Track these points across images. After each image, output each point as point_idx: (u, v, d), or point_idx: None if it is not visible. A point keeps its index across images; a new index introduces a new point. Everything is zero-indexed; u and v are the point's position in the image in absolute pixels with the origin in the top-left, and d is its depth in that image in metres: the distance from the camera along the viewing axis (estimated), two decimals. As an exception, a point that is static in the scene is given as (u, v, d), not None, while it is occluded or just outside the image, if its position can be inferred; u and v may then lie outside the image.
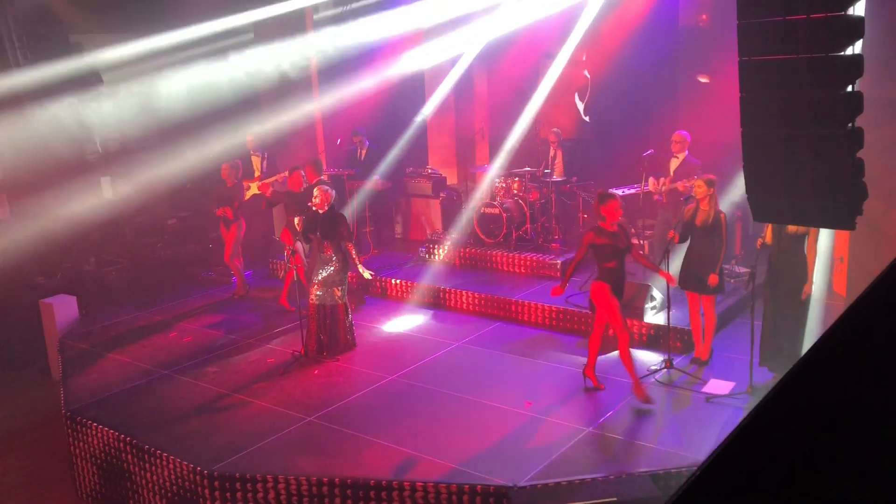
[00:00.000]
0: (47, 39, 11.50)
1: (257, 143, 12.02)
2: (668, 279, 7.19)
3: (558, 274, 10.09)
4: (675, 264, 7.57)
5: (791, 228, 6.67)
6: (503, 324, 9.22)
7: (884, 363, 1.32)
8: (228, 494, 6.21)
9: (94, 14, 11.58)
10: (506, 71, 12.59)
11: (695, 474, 1.26)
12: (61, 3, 11.33)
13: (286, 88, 12.96)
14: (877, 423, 1.24)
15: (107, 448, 7.18)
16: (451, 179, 12.70)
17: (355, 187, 11.62)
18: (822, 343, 1.36)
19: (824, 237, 7.26)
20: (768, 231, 6.94)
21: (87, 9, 11.54)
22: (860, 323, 1.37)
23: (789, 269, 6.77)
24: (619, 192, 10.06)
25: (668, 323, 7.62)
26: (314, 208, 8.22)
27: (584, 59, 10.39)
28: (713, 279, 7.30)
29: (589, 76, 10.33)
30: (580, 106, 10.44)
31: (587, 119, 10.31)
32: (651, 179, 9.29)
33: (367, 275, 8.36)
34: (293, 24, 12.81)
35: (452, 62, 12.92)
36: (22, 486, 7.68)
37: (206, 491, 6.28)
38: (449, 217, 11.96)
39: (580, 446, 6.28)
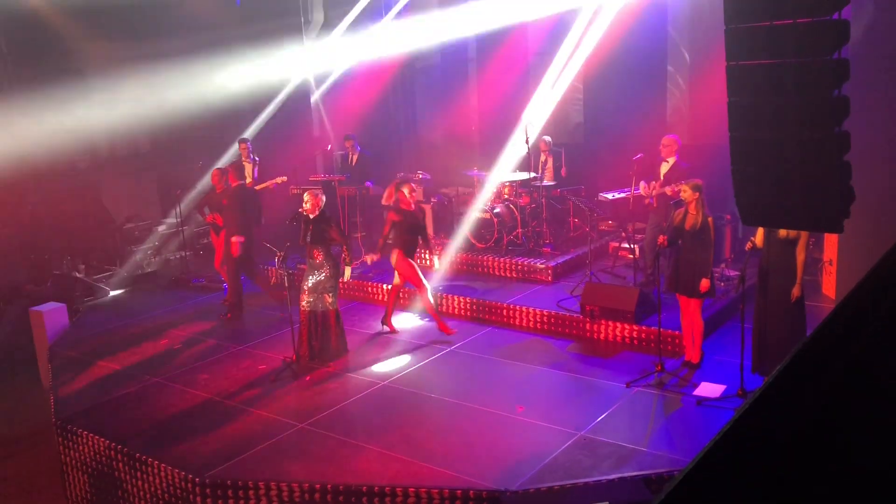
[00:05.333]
0: (36, 47, 11.46)
1: (250, 150, 12.00)
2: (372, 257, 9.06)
3: (550, 279, 10.11)
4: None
5: (781, 232, 6.70)
6: (495, 328, 9.22)
7: (868, 364, 1.33)
8: (220, 502, 6.19)
9: (84, 21, 11.54)
10: (496, 74, 12.62)
11: (681, 474, 1.27)
12: (51, 12, 11.28)
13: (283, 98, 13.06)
14: (861, 423, 1.26)
15: (98, 456, 7.14)
16: (442, 184, 12.69)
17: (346, 193, 11.61)
18: (807, 345, 1.37)
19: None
20: (758, 234, 6.97)
21: (77, 16, 11.50)
22: (845, 325, 1.38)
23: (779, 272, 6.80)
24: (610, 195, 10.14)
25: (659, 327, 7.64)
26: (304, 213, 8.21)
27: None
28: (705, 283, 7.32)
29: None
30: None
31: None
32: (642, 183, 9.32)
33: (347, 275, 8.63)
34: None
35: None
36: (12, 495, 7.64)
37: (198, 499, 6.25)
38: (440, 222, 11.96)
39: (572, 450, 6.28)
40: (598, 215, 10.46)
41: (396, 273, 8.99)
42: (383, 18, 13.16)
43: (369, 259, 9.15)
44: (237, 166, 10.45)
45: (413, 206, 8.93)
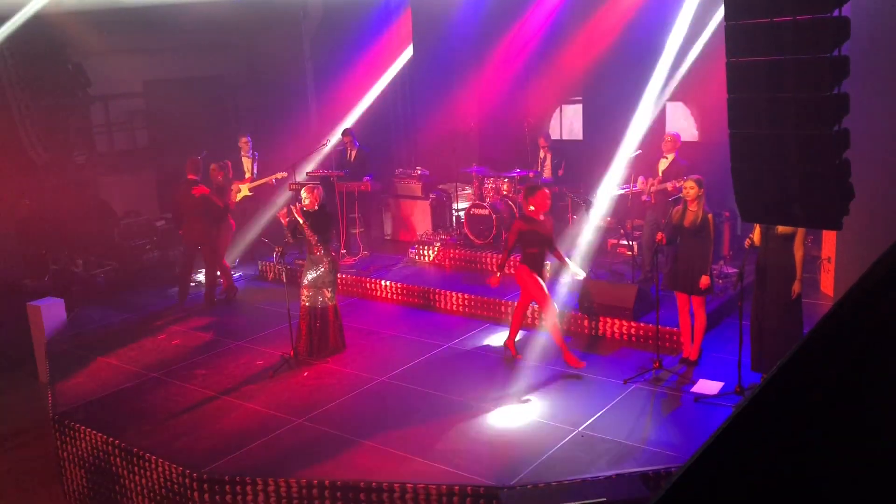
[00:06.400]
0: (36, 43, 11.41)
1: (250, 146, 11.98)
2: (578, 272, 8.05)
3: (548, 275, 10.10)
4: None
5: (779, 229, 6.70)
6: (493, 325, 9.22)
7: (867, 362, 1.33)
8: (218, 497, 6.20)
9: (84, 17, 11.49)
10: (494, 69, 12.60)
11: (679, 471, 1.27)
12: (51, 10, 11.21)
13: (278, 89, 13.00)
14: (860, 422, 1.25)
15: (95, 451, 7.14)
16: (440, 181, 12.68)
17: (344, 189, 11.60)
18: (805, 342, 1.36)
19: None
20: (756, 231, 6.96)
21: (77, 12, 11.44)
22: (843, 322, 1.37)
23: (777, 268, 6.80)
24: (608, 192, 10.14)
25: (657, 324, 7.64)
26: (304, 208, 8.20)
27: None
28: (704, 280, 7.32)
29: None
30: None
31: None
32: (640, 180, 9.32)
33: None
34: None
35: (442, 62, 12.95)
36: (10, 490, 7.63)
37: (196, 494, 6.26)
38: (438, 218, 11.96)
39: (569, 447, 6.29)
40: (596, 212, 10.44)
41: (521, 290, 8.05)
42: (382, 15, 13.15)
43: (493, 281, 8.00)
44: (194, 162, 10.57)
45: (542, 216, 7.87)
